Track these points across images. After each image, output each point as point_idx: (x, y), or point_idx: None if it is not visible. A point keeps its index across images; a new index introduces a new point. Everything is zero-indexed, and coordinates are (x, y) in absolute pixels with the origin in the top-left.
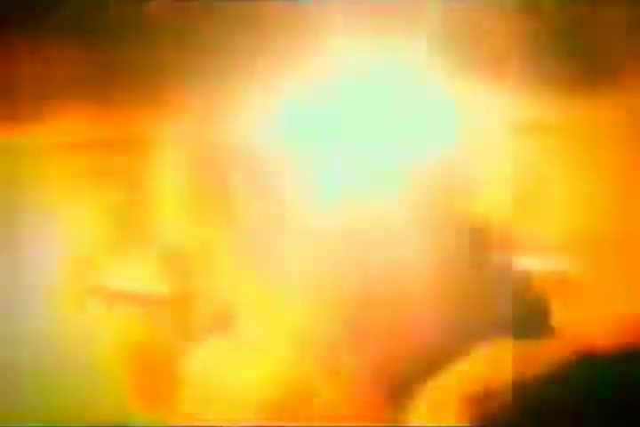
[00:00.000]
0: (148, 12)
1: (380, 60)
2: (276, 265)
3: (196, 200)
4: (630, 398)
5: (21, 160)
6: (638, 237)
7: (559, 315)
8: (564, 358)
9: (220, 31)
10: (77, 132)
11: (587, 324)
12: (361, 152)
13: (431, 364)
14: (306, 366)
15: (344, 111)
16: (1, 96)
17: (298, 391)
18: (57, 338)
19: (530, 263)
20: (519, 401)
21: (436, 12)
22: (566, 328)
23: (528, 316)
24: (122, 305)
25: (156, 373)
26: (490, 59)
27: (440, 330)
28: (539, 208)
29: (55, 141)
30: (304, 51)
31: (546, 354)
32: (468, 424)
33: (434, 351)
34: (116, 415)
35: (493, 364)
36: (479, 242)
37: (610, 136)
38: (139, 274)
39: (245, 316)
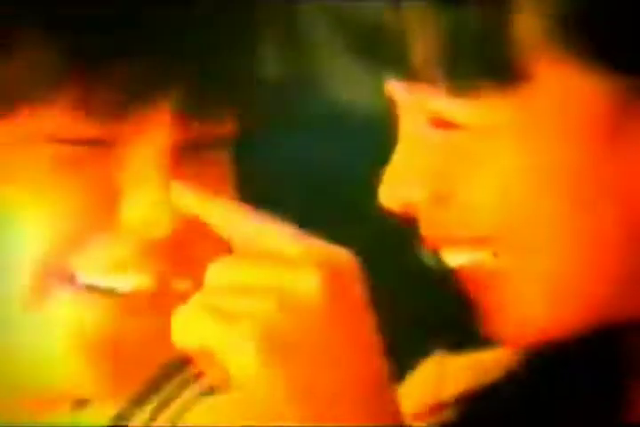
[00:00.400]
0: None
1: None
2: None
3: (167, 193)
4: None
5: None
6: (560, 231)
7: (490, 314)
8: (506, 364)
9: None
10: (50, 125)
11: (519, 321)
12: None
13: None
14: None
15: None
16: None
17: None
18: (25, 328)
19: (455, 259)
20: (469, 409)
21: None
22: (499, 328)
23: (459, 319)
24: (93, 297)
25: (126, 360)
26: (410, 58)
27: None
28: (460, 203)
29: (27, 134)
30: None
31: (489, 362)
32: None
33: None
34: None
35: (439, 376)
36: (402, 240)
37: (531, 132)
38: (111, 265)
39: None
